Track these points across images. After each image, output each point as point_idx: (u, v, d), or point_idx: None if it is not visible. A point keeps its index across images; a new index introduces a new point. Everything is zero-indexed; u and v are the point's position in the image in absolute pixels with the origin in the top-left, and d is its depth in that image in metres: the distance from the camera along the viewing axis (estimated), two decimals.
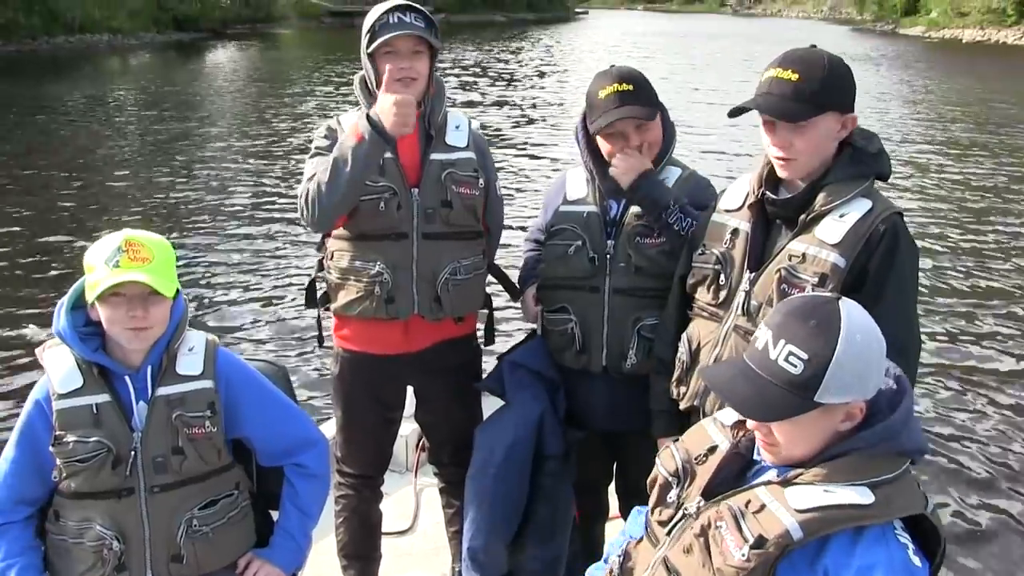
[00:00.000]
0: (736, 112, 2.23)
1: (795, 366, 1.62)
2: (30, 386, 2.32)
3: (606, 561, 2.11)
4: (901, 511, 1.61)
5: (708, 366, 1.93)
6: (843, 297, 1.70)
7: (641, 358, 2.63)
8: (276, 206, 10.93)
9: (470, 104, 18.71)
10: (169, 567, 2.26)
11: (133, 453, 2.21)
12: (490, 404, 2.93)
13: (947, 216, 11.19)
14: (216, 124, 17.70)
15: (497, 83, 24.26)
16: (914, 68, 33.21)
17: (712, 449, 1.85)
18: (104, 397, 2.21)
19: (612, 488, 3.11)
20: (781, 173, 2.21)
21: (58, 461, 2.20)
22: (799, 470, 1.67)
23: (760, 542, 1.60)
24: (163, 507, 2.24)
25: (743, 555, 1.61)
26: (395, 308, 2.72)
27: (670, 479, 1.88)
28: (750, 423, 1.73)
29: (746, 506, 1.66)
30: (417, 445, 3.74)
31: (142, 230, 2.25)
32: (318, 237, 2.88)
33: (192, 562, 2.27)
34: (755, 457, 1.80)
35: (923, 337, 2.61)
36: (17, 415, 2.32)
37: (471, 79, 24.67)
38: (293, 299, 7.65)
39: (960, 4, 58.10)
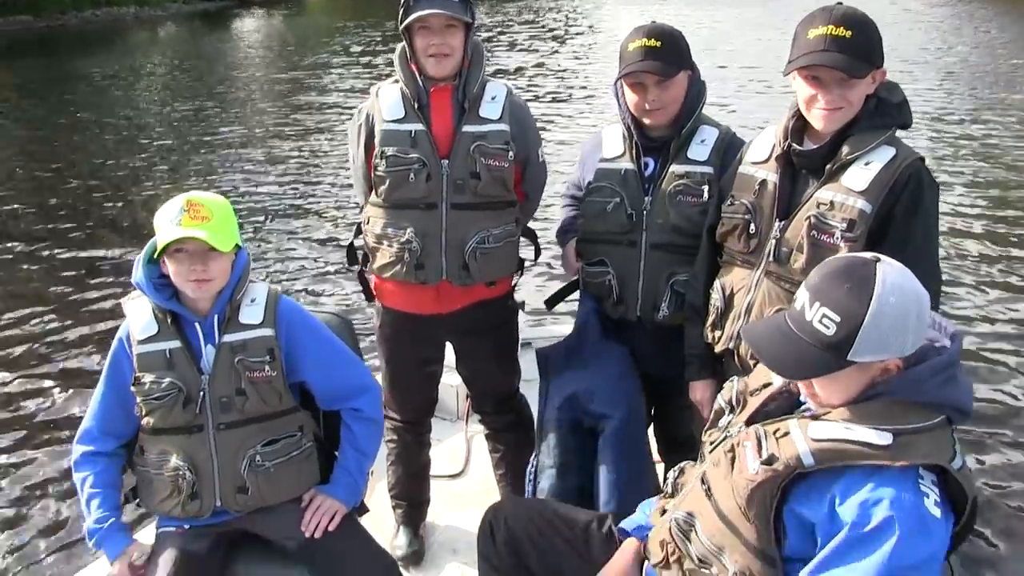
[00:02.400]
0: (793, 69, 2.26)
1: (828, 328, 1.70)
2: (111, 331, 2.54)
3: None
4: (918, 458, 1.66)
5: (749, 325, 2.02)
6: (883, 258, 1.74)
7: (672, 310, 2.75)
8: (321, 170, 11.17)
9: (498, 73, 18.67)
10: (236, 497, 2.46)
11: (202, 393, 2.41)
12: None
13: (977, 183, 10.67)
14: (248, 92, 17.81)
15: (518, 49, 24.02)
16: (975, 26, 30.87)
17: (767, 385, 1.99)
18: (175, 343, 2.41)
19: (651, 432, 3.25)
20: (822, 125, 2.27)
21: (138, 399, 2.42)
22: (827, 410, 1.78)
23: (770, 460, 1.74)
24: (229, 443, 2.44)
25: (754, 470, 1.76)
26: (424, 274, 2.84)
27: (724, 406, 2.05)
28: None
29: (774, 432, 1.80)
30: (467, 395, 3.91)
31: (203, 191, 2.42)
32: (360, 199, 3.00)
33: (255, 493, 2.47)
34: (801, 399, 1.93)
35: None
36: (103, 359, 2.55)
37: (494, 45, 24.50)
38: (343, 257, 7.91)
39: None
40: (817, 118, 2.28)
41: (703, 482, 1.94)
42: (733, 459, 1.85)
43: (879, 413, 1.71)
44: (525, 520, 2.34)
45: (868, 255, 1.78)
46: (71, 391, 5.66)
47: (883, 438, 1.66)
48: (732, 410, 2.03)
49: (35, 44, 25.51)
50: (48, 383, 5.81)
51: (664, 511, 2.10)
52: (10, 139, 13.43)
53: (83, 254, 8.24)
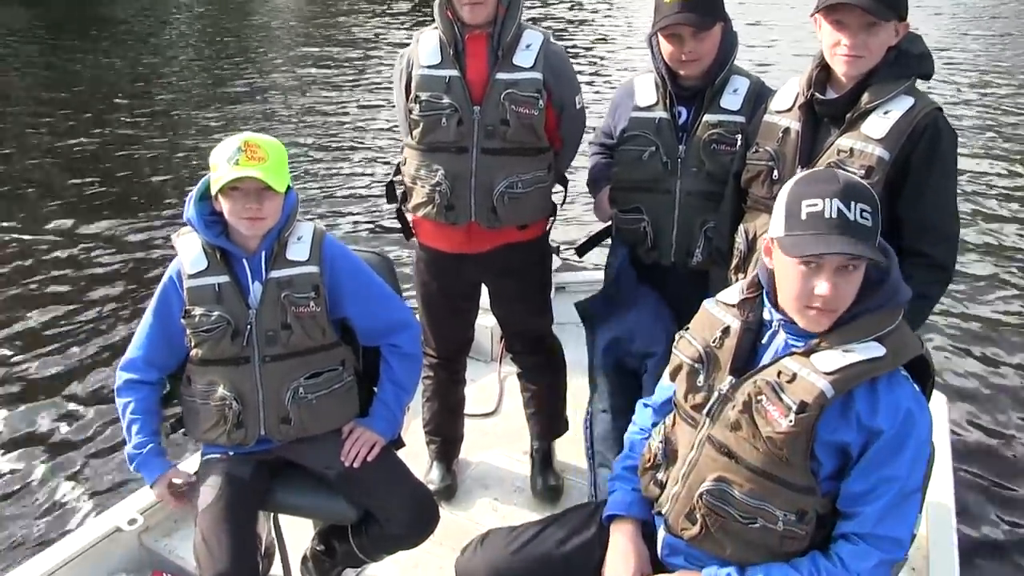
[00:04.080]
0: (820, 9, 2.33)
1: (867, 220, 1.83)
2: (162, 264, 2.65)
3: (632, 449, 2.31)
4: (906, 357, 1.86)
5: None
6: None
7: (705, 256, 2.83)
8: (355, 116, 11.32)
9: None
10: (279, 427, 2.58)
11: (249, 327, 2.52)
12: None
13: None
14: (274, 40, 17.68)
15: (540, 3, 23.55)
16: None
17: (725, 331, 2.02)
18: (224, 278, 2.52)
19: None
20: (844, 69, 2.34)
21: (187, 331, 2.54)
22: (817, 340, 1.87)
23: (803, 407, 1.80)
24: (274, 375, 2.55)
25: (790, 421, 1.81)
26: (454, 215, 2.96)
27: (696, 365, 2.05)
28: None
29: (779, 377, 1.86)
30: (501, 337, 4.04)
31: (259, 133, 2.52)
32: (404, 139, 3.07)
33: (298, 424, 2.59)
34: (765, 317, 2.00)
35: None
36: (152, 294, 2.66)
37: None
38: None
39: None
40: (840, 63, 2.34)
41: (716, 446, 1.95)
42: (752, 417, 1.88)
43: (863, 328, 1.85)
44: (519, 569, 2.19)
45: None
46: (118, 321, 5.92)
47: (876, 349, 1.82)
48: (704, 367, 2.04)
49: None
50: (95, 313, 6.06)
51: (660, 483, 2.11)
52: (39, 78, 13.55)
53: (115, 195, 8.35)
